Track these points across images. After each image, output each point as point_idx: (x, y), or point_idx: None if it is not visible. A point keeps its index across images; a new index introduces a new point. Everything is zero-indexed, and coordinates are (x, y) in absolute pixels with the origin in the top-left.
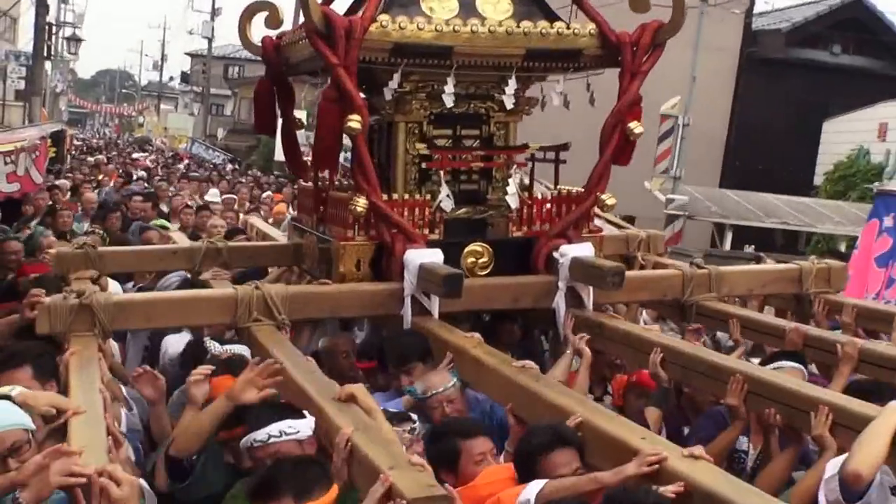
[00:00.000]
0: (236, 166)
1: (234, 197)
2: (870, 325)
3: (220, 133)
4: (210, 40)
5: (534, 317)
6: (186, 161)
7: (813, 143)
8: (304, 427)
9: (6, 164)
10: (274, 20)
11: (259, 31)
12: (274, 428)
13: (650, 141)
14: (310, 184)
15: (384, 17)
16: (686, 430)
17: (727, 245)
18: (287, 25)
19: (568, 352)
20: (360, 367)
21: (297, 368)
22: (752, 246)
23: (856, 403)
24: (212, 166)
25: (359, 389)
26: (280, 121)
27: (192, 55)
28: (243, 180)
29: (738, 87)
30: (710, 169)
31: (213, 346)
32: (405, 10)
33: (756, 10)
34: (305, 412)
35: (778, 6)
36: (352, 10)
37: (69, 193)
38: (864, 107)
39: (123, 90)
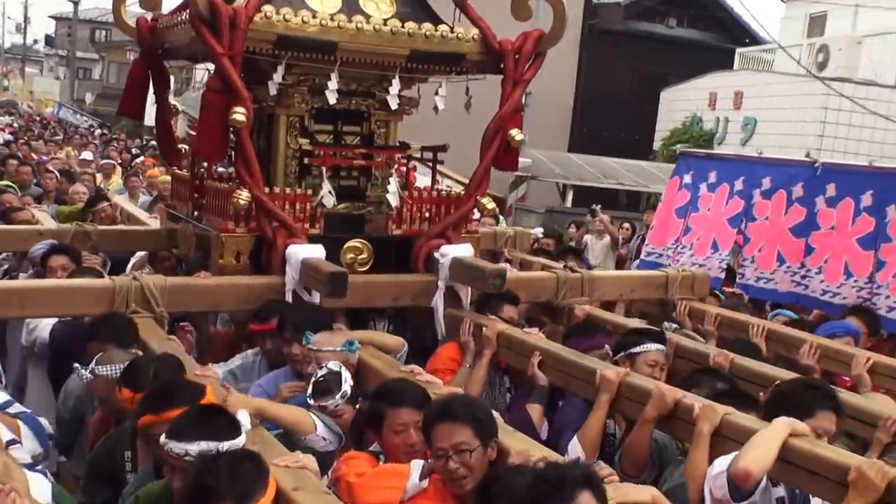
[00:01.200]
0: (105, 131)
1: (113, 162)
2: (729, 334)
3: (89, 98)
4: (76, 3)
5: (413, 314)
6: (52, 125)
7: (653, 110)
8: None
9: None
10: (150, 1)
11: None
12: (194, 447)
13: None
14: (185, 171)
15: (268, 8)
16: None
17: (569, 203)
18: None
19: (466, 366)
20: (253, 329)
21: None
22: (599, 205)
23: (740, 417)
24: (83, 130)
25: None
26: (155, 106)
27: (57, 18)
28: (114, 145)
29: (582, 58)
30: (560, 135)
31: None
32: (288, 2)
33: None
34: (242, 423)
35: None
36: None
37: None
38: (697, 77)
39: None
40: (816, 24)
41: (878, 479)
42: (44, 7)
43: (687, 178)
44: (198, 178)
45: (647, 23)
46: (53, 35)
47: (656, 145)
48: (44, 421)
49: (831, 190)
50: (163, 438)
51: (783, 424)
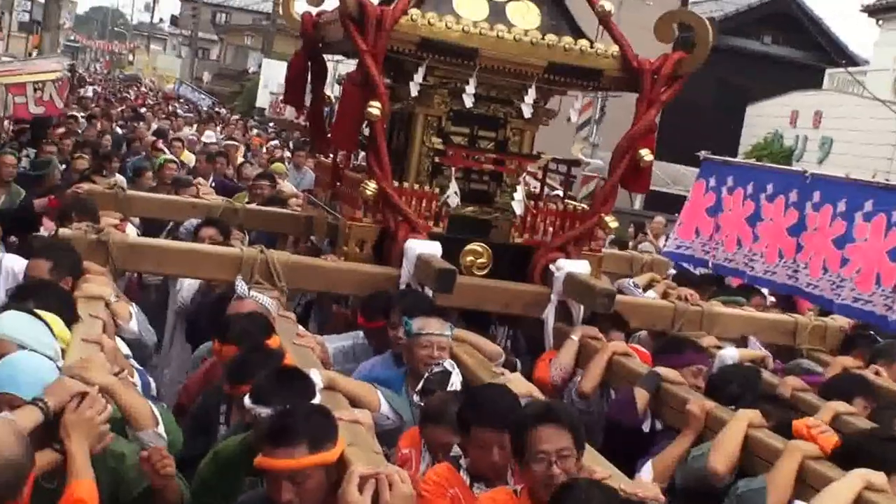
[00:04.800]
0: (220, 110)
1: (237, 144)
2: None
3: (206, 77)
4: None
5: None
6: (179, 102)
7: (738, 124)
8: None
9: (35, 90)
10: None
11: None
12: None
13: None
14: (328, 160)
15: (415, 12)
16: None
17: (637, 205)
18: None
19: (573, 338)
20: (360, 323)
21: (284, 334)
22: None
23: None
24: (210, 109)
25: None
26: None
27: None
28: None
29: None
30: None
31: (241, 286)
32: (437, 7)
33: None
34: (317, 384)
35: None
36: (387, 3)
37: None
38: (782, 94)
39: (115, 28)
40: None
41: None
42: None
43: (711, 182)
44: (338, 167)
45: (740, 38)
46: (178, 15)
47: (738, 158)
48: (152, 382)
49: (817, 197)
50: (247, 402)
51: (858, 477)
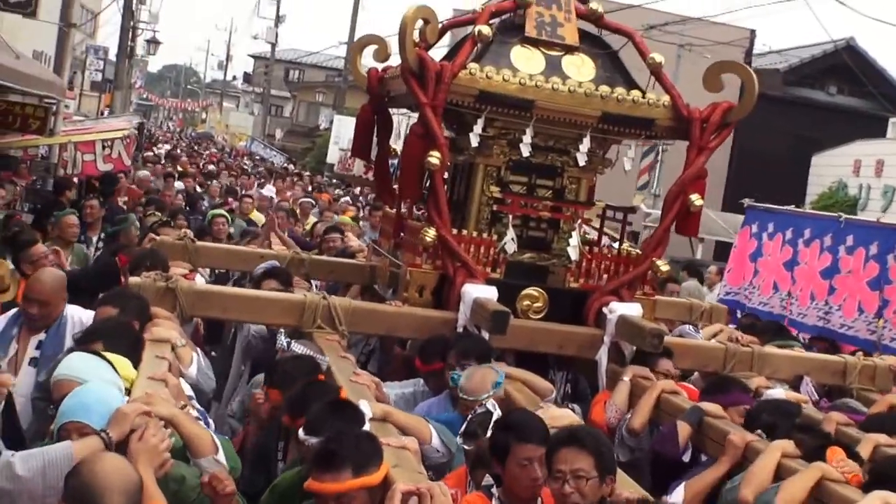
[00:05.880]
0: (290, 166)
1: (311, 201)
2: None
3: (279, 134)
4: (273, 45)
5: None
6: (256, 160)
7: (805, 174)
8: None
9: (104, 147)
10: (382, 54)
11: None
12: None
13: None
14: (393, 211)
15: (473, 66)
16: None
17: (699, 255)
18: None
19: (624, 379)
20: (417, 366)
21: (342, 373)
22: None
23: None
24: (280, 166)
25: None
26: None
27: (256, 57)
28: (301, 180)
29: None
30: (714, 193)
31: (281, 340)
32: (495, 61)
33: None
34: (366, 414)
35: (775, 48)
36: (449, 58)
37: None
38: (845, 144)
39: (188, 86)
40: None
41: None
42: (244, 46)
43: (754, 228)
44: (402, 217)
45: (806, 89)
46: (251, 73)
47: (805, 208)
48: (212, 423)
49: (850, 241)
50: (301, 434)
51: (878, 499)
